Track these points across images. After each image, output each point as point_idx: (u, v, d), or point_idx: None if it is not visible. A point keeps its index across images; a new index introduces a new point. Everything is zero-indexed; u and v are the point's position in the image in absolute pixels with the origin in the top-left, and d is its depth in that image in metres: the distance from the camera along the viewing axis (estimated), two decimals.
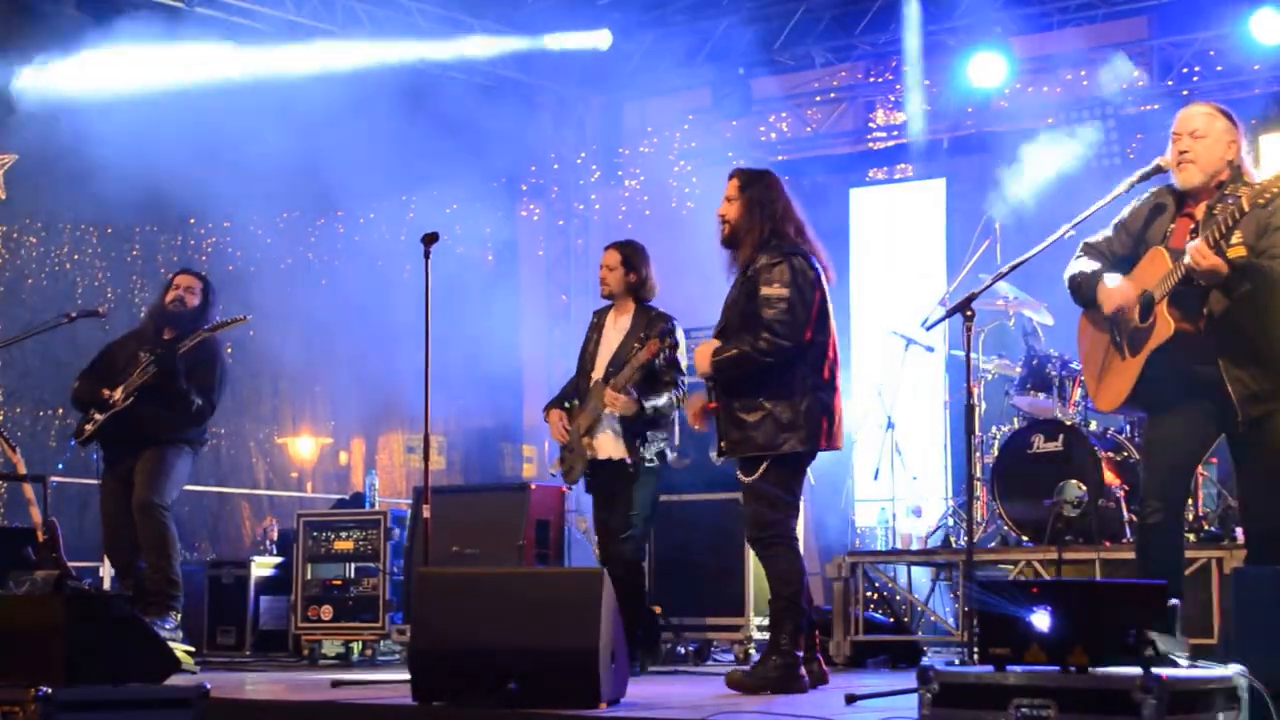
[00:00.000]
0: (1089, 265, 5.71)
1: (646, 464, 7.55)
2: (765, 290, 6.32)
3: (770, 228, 6.46)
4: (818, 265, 6.46)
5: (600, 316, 7.84)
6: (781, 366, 6.33)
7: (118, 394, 8.47)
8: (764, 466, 6.36)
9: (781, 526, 6.45)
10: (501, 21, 13.23)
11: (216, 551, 11.91)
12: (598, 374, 7.60)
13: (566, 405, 7.79)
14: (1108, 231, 5.75)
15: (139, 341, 8.72)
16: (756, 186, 6.56)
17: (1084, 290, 5.71)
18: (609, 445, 7.58)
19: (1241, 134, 5.58)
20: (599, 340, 7.72)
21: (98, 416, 8.52)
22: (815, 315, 6.37)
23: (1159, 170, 5.67)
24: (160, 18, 11.53)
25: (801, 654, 6.34)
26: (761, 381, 6.36)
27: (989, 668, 4.15)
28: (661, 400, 7.49)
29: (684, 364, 7.57)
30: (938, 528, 9.57)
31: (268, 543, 10.85)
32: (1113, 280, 5.60)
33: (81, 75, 11.21)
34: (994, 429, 9.21)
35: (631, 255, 7.74)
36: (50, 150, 11.37)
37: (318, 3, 12.34)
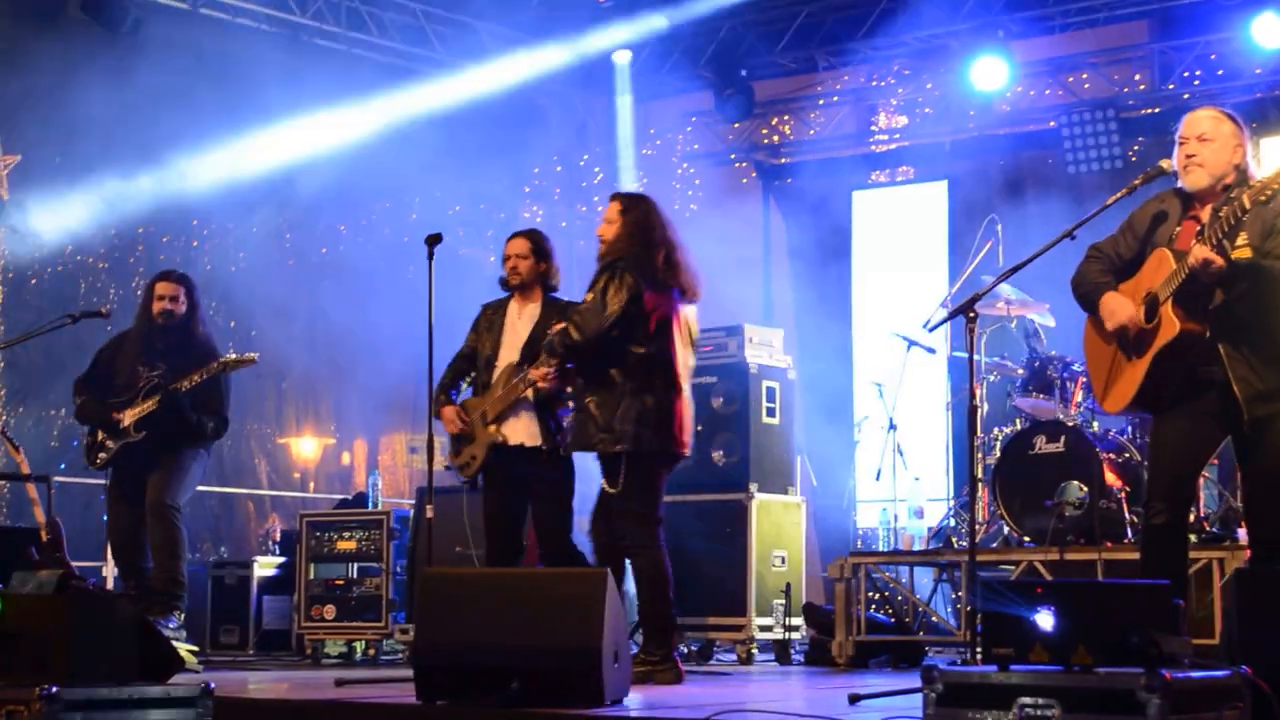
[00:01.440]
0: (1095, 272, 5.72)
1: (561, 451, 7.43)
2: (588, 295, 6.93)
3: (637, 249, 6.91)
4: (655, 281, 6.88)
5: (497, 308, 7.66)
6: (599, 369, 6.86)
7: (127, 420, 8.44)
8: (622, 471, 6.88)
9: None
10: (505, 24, 13.25)
11: (219, 552, 11.92)
12: (506, 361, 7.44)
13: (456, 398, 7.63)
14: (1114, 234, 5.76)
15: (134, 353, 8.62)
16: (636, 212, 7.04)
17: (1088, 301, 5.73)
18: (522, 431, 7.40)
19: (1247, 138, 5.59)
20: (502, 330, 7.55)
21: (110, 444, 8.50)
22: (627, 321, 6.81)
23: (1161, 173, 5.68)
24: (165, 18, 11.56)
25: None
26: (587, 383, 6.91)
27: (993, 667, 4.16)
28: (579, 383, 7.45)
29: None
30: (939, 528, 9.58)
31: (270, 543, 10.87)
32: (1117, 298, 5.61)
33: (84, 76, 11.23)
34: (996, 430, 9.22)
35: (540, 243, 7.65)
36: (54, 150, 11.39)
37: (323, 5, 12.37)
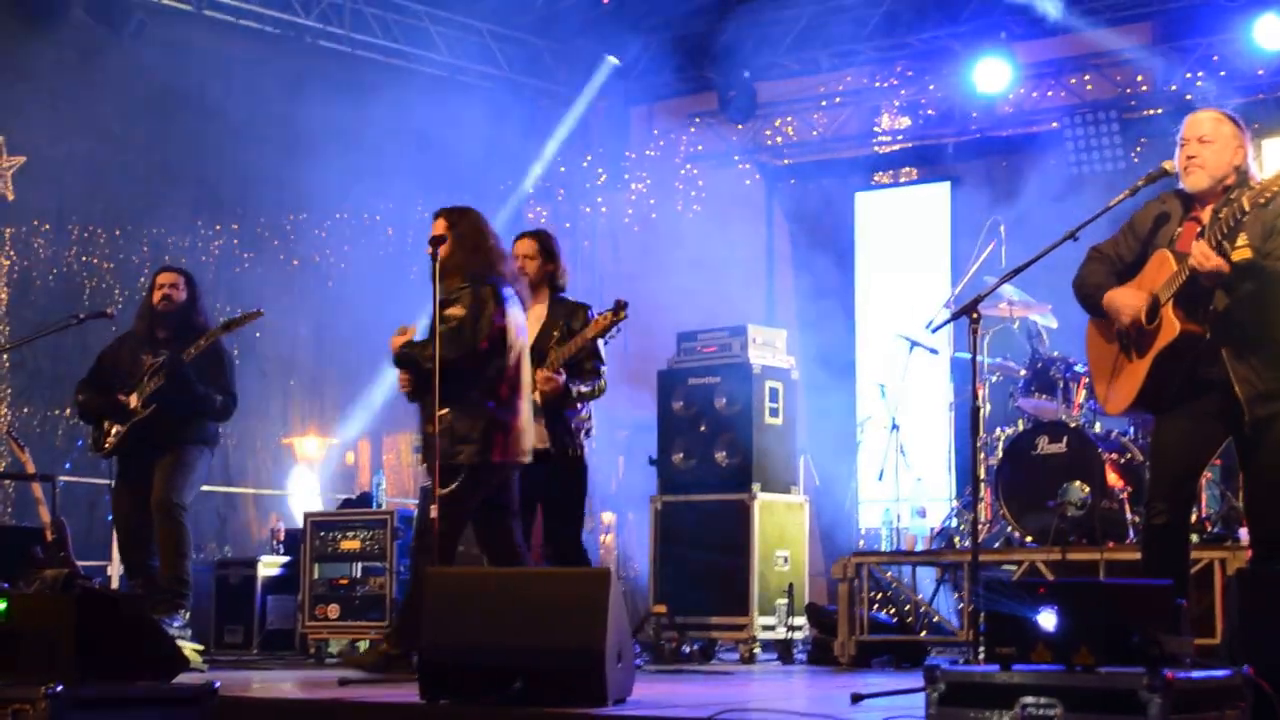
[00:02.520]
0: (1096, 273, 5.74)
1: (570, 452, 7.47)
2: (447, 311, 6.89)
3: (481, 260, 7.01)
4: (507, 293, 6.99)
5: None
6: (459, 383, 6.87)
7: (134, 401, 8.45)
8: (462, 479, 6.89)
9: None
10: (508, 25, 13.27)
11: (224, 551, 11.94)
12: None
13: None
14: (1115, 235, 5.78)
15: (137, 345, 8.65)
16: (464, 224, 7.11)
17: (1091, 301, 5.75)
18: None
19: (1248, 139, 5.61)
20: None
21: (117, 428, 8.50)
22: (493, 339, 6.92)
23: (1164, 174, 5.70)
24: (169, 20, 11.59)
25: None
26: (444, 396, 6.83)
27: (995, 667, 4.17)
28: (586, 386, 7.45)
29: (603, 354, 7.59)
30: (942, 529, 9.60)
31: (274, 542, 10.88)
32: (1122, 292, 5.63)
33: (89, 77, 11.27)
34: (998, 430, 9.24)
35: (548, 243, 7.69)
36: (59, 151, 11.41)
37: (326, 7, 12.40)
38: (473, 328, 6.87)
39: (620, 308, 7.38)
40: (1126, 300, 5.60)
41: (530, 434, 7.15)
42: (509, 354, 7.02)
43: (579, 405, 7.48)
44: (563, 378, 7.33)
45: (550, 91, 13.99)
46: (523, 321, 7.14)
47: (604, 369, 7.58)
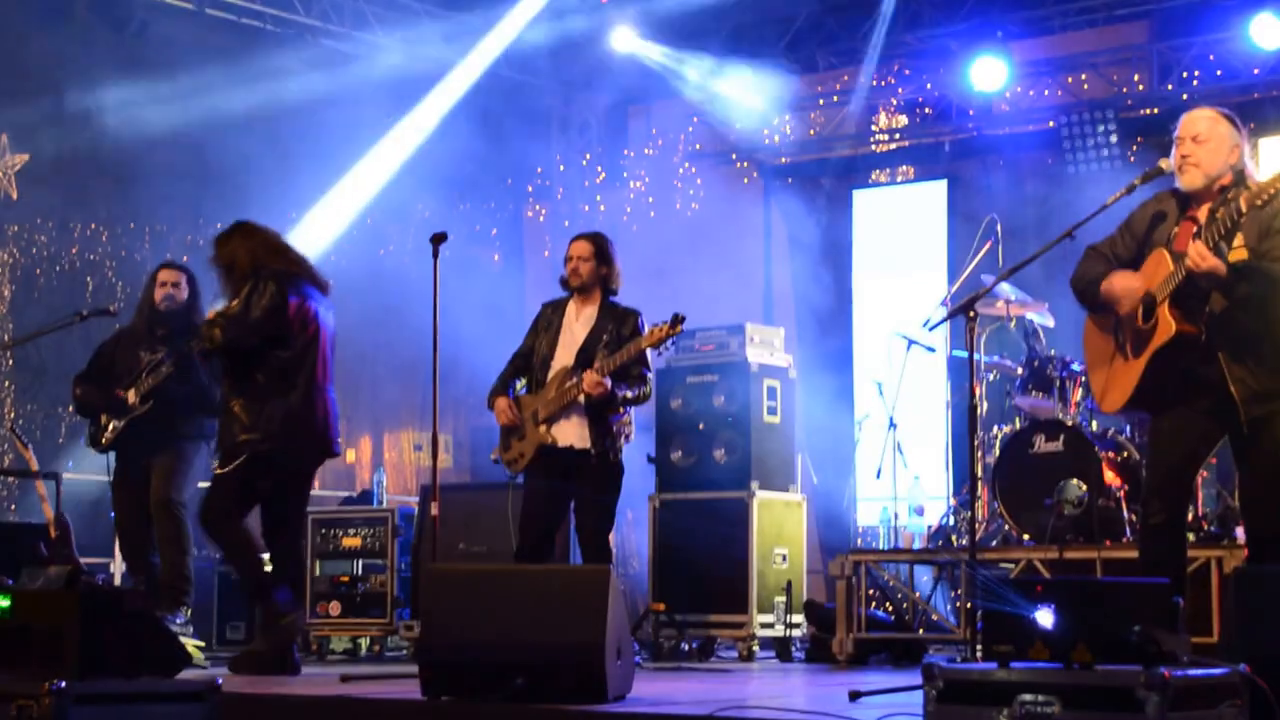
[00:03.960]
0: (1093, 268, 5.77)
1: (610, 456, 7.51)
2: (230, 304, 7.36)
3: (249, 264, 7.36)
4: (290, 288, 7.29)
5: (556, 307, 7.74)
6: (244, 371, 7.29)
7: (132, 396, 8.46)
8: (238, 461, 7.25)
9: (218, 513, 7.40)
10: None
11: None
12: (561, 363, 7.52)
13: (512, 394, 7.71)
14: (1112, 235, 5.81)
15: (135, 341, 8.67)
16: (222, 251, 7.52)
17: (1090, 293, 5.76)
18: (571, 433, 7.47)
19: (1244, 138, 5.63)
20: (560, 330, 7.63)
21: (115, 423, 8.51)
22: (270, 323, 7.21)
23: (1160, 173, 5.73)
24: (171, 19, 11.62)
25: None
26: (233, 386, 7.30)
27: (993, 665, 4.20)
28: (632, 392, 7.50)
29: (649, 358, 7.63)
30: (939, 527, 9.62)
31: None
32: (1121, 276, 5.65)
33: (92, 76, 11.29)
34: (995, 429, 9.27)
35: (603, 246, 7.71)
36: (62, 149, 11.44)
37: (326, 4, 12.43)
38: (244, 313, 7.19)
39: (677, 321, 7.34)
40: (1127, 285, 5.62)
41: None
42: (297, 344, 7.27)
43: (622, 410, 7.52)
44: (609, 383, 7.36)
45: (550, 89, 13.99)
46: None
47: (650, 375, 7.62)
